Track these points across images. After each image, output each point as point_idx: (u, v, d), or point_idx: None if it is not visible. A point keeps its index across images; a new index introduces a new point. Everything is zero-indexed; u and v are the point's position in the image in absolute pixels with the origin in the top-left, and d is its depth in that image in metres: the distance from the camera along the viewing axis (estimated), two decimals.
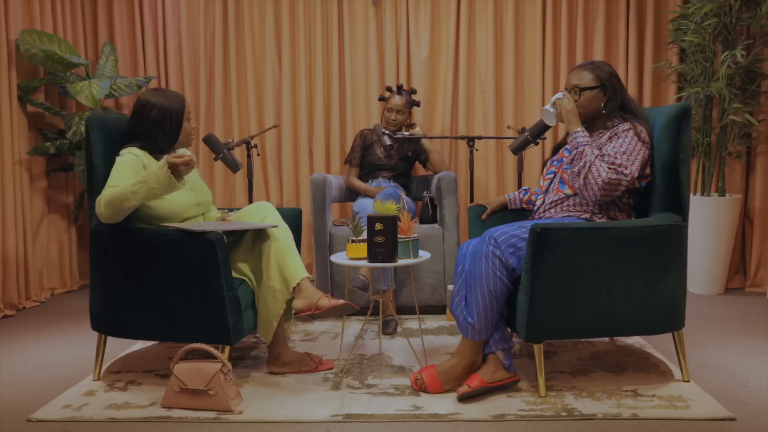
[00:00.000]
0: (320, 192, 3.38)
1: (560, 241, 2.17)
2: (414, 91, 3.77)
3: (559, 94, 2.45)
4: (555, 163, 2.56)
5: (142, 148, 2.42)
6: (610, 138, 2.37)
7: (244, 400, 2.25)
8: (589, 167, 2.29)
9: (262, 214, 2.50)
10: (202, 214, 2.59)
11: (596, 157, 2.30)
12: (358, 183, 3.73)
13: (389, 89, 3.75)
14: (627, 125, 2.38)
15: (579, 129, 2.38)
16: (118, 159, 2.37)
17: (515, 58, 4.11)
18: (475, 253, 2.28)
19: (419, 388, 2.31)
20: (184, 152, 2.57)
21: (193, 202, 2.50)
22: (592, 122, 2.49)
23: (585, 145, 2.33)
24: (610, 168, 2.28)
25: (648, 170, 2.40)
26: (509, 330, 2.40)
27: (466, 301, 2.29)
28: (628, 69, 4.04)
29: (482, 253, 2.25)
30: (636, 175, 2.30)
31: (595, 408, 2.14)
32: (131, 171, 2.32)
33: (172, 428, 2.08)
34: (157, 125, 2.40)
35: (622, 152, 2.31)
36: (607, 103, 2.43)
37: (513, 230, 2.27)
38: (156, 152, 2.46)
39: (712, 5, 3.55)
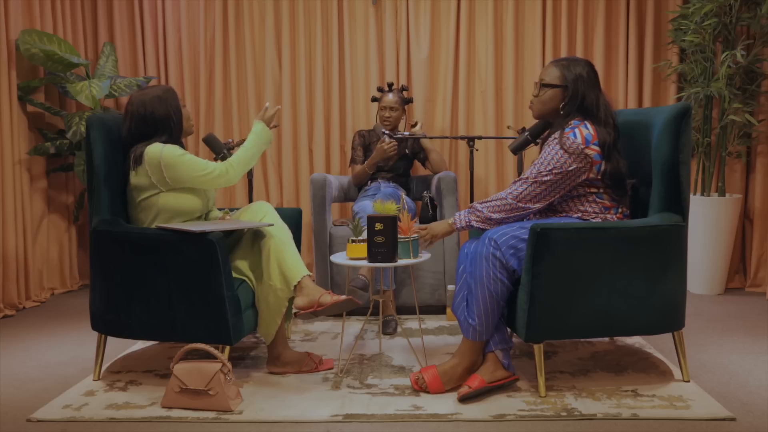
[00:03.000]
0: (320, 192, 3.38)
1: (560, 241, 2.17)
2: (405, 88, 3.79)
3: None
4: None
5: (163, 143, 2.44)
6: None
7: (244, 400, 2.25)
8: (509, 212, 2.33)
9: (261, 213, 2.51)
10: (209, 212, 2.60)
11: (490, 208, 2.34)
12: (364, 165, 3.66)
13: (380, 89, 3.77)
14: (556, 135, 2.31)
15: (451, 223, 2.44)
16: (165, 153, 2.37)
17: (515, 58, 4.11)
18: (476, 255, 2.28)
19: (420, 387, 2.31)
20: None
21: (208, 196, 2.56)
22: (550, 122, 2.47)
23: (474, 219, 2.37)
24: (514, 191, 2.32)
25: (593, 173, 2.30)
26: (509, 330, 2.40)
27: (467, 303, 2.29)
28: (628, 69, 4.04)
29: (482, 254, 2.25)
30: (535, 174, 2.28)
31: (595, 408, 2.14)
32: (190, 155, 2.42)
33: (172, 428, 2.08)
34: (166, 119, 2.46)
35: (540, 162, 2.31)
36: (565, 105, 2.36)
37: (513, 231, 2.27)
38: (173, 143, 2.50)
39: (712, 5, 3.55)
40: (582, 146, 2.26)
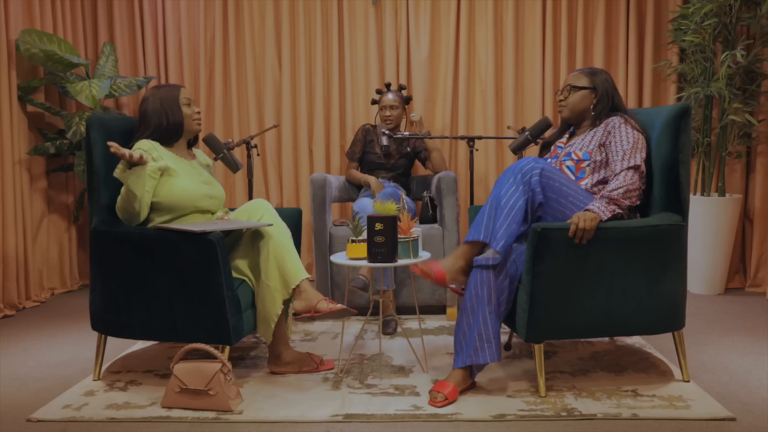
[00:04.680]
0: (320, 192, 3.38)
1: (560, 241, 2.17)
2: (403, 87, 3.80)
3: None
4: (549, 159, 2.58)
5: (153, 139, 2.49)
6: (602, 134, 2.42)
7: (244, 400, 2.25)
8: (628, 202, 2.30)
9: (259, 212, 2.50)
10: (212, 212, 2.60)
11: (615, 195, 2.28)
12: (356, 174, 3.73)
13: (379, 91, 3.79)
14: (617, 118, 2.43)
15: (601, 214, 2.25)
16: (134, 147, 2.44)
17: (515, 58, 4.11)
18: (513, 169, 2.28)
19: (424, 273, 2.27)
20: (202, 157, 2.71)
21: (204, 193, 2.53)
22: (580, 123, 2.58)
23: (607, 207, 2.26)
24: (625, 175, 2.31)
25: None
26: (509, 331, 2.40)
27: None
28: (628, 69, 4.04)
29: (522, 169, 2.26)
30: (642, 164, 2.35)
31: (595, 408, 2.14)
32: (149, 152, 2.42)
33: (172, 428, 2.08)
34: (156, 114, 2.50)
35: (630, 147, 2.35)
36: (596, 105, 2.51)
37: (563, 179, 2.29)
38: (167, 141, 2.53)
39: (712, 5, 3.55)
40: (641, 128, 2.42)
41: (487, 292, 2.23)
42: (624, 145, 2.36)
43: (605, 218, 2.23)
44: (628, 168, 2.32)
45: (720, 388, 2.33)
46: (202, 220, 2.53)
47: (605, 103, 2.50)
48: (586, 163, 2.42)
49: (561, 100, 2.57)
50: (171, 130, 2.52)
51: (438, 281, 2.27)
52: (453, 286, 2.39)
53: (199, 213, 2.52)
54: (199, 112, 2.60)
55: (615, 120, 2.44)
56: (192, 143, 2.70)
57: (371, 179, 3.62)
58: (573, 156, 2.45)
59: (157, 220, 2.45)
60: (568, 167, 2.46)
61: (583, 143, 2.46)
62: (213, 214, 2.61)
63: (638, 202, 2.35)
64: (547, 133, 3.17)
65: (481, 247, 2.30)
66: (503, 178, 2.29)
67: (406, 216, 2.56)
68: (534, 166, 2.25)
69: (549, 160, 2.57)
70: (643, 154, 2.37)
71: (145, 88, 4.11)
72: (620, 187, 2.29)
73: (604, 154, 2.41)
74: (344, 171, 4.18)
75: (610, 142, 2.40)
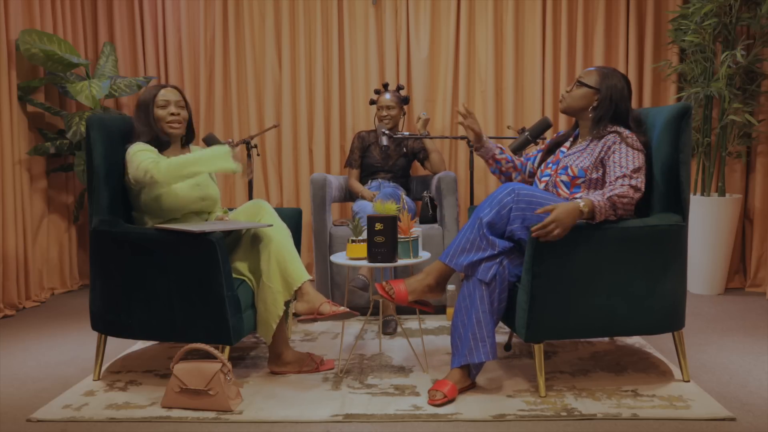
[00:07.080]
0: (320, 192, 3.38)
1: (560, 241, 2.17)
2: (401, 87, 3.80)
3: None
4: (550, 165, 2.52)
5: (145, 142, 2.48)
6: (600, 151, 2.34)
7: (244, 400, 2.25)
8: (619, 208, 2.25)
9: (259, 213, 2.50)
10: (209, 213, 2.60)
11: (611, 199, 2.22)
12: (357, 186, 3.73)
13: (377, 91, 3.79)
14: (614, 137, 2.33)
15: (590, 210, 2.19)
16: (131, 149, 2.43)
17: (515, 58, 4.11)
18: (492, 197, 2.27)
19: (386, 293, 2.32)
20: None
21: (197, 196, 2.51)
22: (579, 122, 2.50)
23: (601, 205, 2.20)
24: (621, 187, 2.25)
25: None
26: (509, 333, 2.40)
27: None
28: (628, 69, 4.04)
29: (498, 198, 2.25)
30: (643, 187, 2.29)
31: (595, 408, 2.14)
32: (151, 151, 2.42)
33: (172, 428, 2.08)
34: (136, 118, 2.52)
35: (631, 170, 2.27)
36: (595, 108, 2.41)
37: (539, 193, 2.26)
38: (156, 145, 2.50)
39: (712, 5, 3.55)
40: (639, 146, 2.34)
41: (479, 293, 2.23)
42: (623, 162, 2.28)
43: (598, 219, 2.20)
44: (631, 186, 2.24)
45: (720, 388, 2.33)
46: (197, 220, 2.53)
47: (606, 109, 2.38)
48: (581, 180, 2.37)
49: (567, 91, 2.49)
50: (147, 133, 2.48)
51: (399, 302, 2.31)
52: (420, 304, 2.37)
53: (193, 214, 2.52)
54: (174, 114, 2.51)
55: (613, 140, 2.33)
56: (187, 142, 2.67)
57: (368, 196, 3.61)
58: (569, 171, 2.39)
59: (151, 224, 2.45)
60: (563, 181, 2.40)
61: (581, 158, 2.39)
62: (209, 214, 2.61)
63: (626, 215, 2.30)
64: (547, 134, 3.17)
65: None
66: (482, 205, 2.29)
67: (406, 216, 2.56)
68: (510, 191, 2.25)
69: (550, 165, 2.54)
70: (643, 177, 2.30)
71: (145, 88, 4.11)
72: (624, 196, 2.21)
73: (601, 171, 2.35)
74: (344, 171, 4.19)
75: (609, 157, 2.32)
